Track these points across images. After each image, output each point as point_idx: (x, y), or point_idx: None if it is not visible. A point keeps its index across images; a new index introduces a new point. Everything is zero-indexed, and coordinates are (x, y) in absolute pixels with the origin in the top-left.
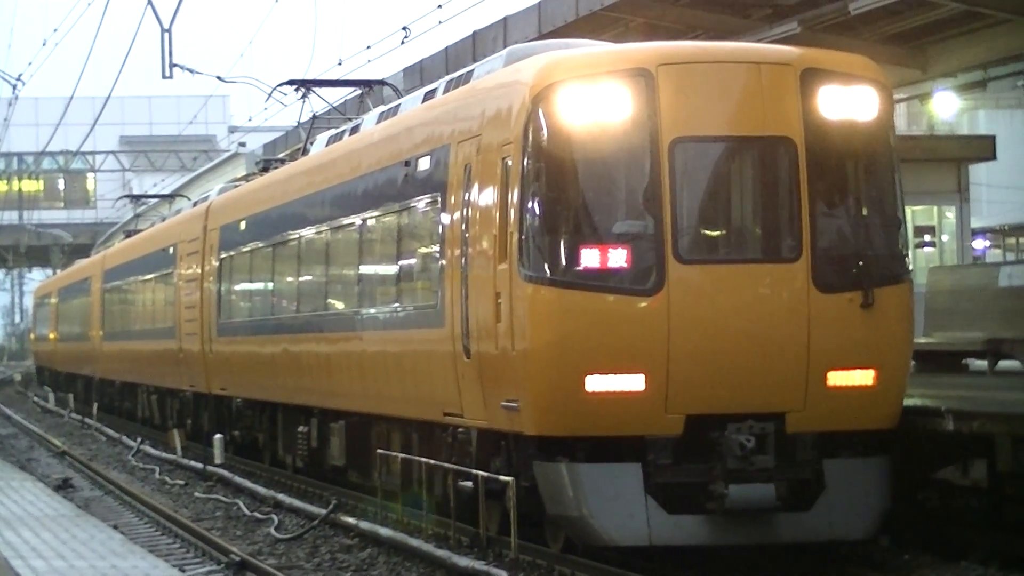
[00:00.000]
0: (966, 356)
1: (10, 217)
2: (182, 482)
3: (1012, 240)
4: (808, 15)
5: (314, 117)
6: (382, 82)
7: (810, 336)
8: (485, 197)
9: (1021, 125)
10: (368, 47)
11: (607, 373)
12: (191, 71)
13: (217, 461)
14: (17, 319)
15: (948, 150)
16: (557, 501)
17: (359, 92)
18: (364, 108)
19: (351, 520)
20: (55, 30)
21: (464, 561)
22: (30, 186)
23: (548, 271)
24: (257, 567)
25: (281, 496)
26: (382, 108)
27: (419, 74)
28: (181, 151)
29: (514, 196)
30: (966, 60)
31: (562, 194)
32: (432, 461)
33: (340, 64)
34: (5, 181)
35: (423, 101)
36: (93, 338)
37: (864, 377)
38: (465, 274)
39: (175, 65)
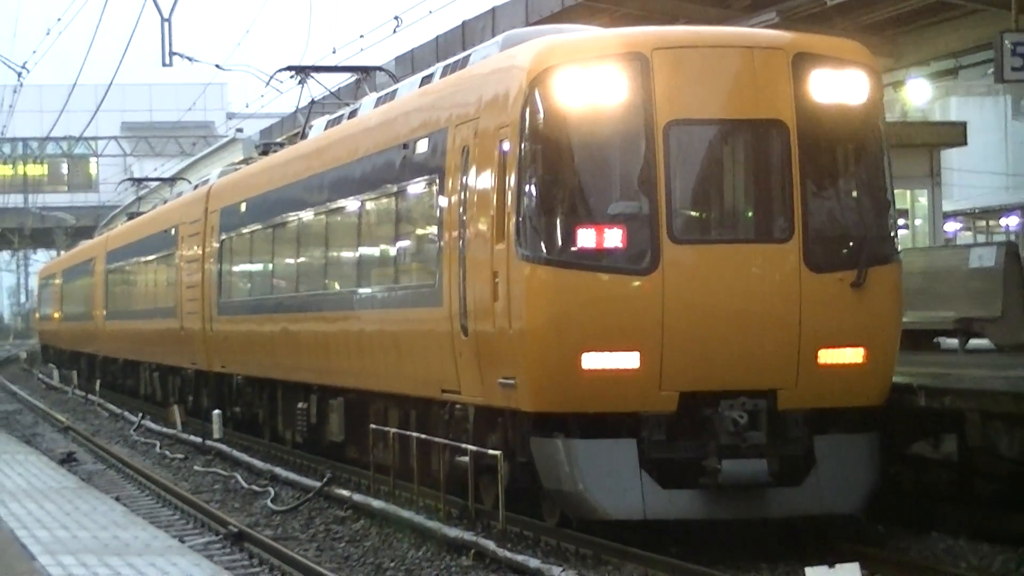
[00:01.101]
0: (938, 335)
1: (15, 200)
2: (182, 456)
3: (982, 223)
4: (786, 5)
5: (312, 102)
6: (379, 68)
7: (801, 315)
8: (483, 179)
9: (991, 112)
10: (361, 36)
11: (603, 351)
12: (190, 59)
13: (216, 436)
14: (22, 299)
15: (921, 136)
16: (553, 476)
17: (356, 78)
18: (361, 94)
19: (344, 493)
20: (59, 19)
21: (453, 532)
22: (35, 170)
23: (545, 251)
24: (254, 538)
25: (277, 469)
26: (380, 93)
27: (410, 62)
28: (180, 137)
29: (511, 178)
30: (938, 49)
31: (558, 175)
32: (423, 436)
33: (334, 52)
34: (10, 166)
35: (420, 86)
36: (96, 317)
37: (854, 355)
38: (463, 254)
39: (175, 53)
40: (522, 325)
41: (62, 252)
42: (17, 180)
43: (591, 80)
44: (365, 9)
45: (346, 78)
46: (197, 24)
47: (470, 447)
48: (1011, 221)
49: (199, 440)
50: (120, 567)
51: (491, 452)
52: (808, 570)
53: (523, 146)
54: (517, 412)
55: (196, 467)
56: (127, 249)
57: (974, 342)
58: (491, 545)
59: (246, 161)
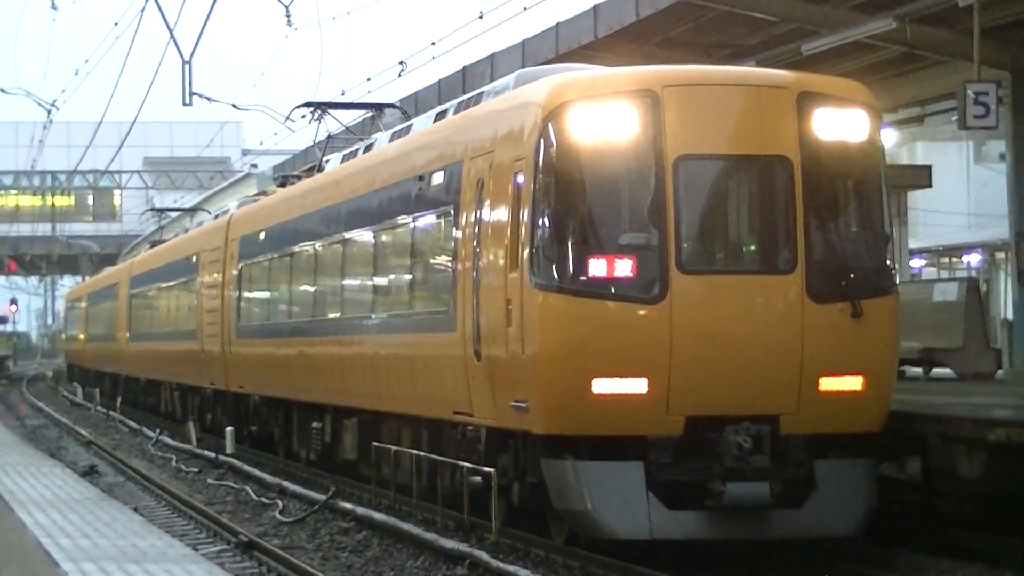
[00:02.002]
0: (903, 364)
1: (44, 229)
2: (196, 470)
3: (946, 260)
4: (764, 55)
5: (329, 136)
6: (392, 105)
7: (803, 343)
8: (497, 210)
9: (955, 156)
10: (368, 79)
11: (612, 376)
12: (208, 99)
13: (228, 451)
14: (49, 321)
15: (888, 178)
16: (563, 496)
17: (370, 114)
18: (375, 129)
19: (348, 506)
20: (86, 61)
21: (449, 543)
22: (62, 201)
23: (558, 279)
24: (263, 547)
25: (286, 483)
26: (395, 128)
27: (414, 103)
28: (199, 171)
29: (526, 208)
30: (905, 97)
31: (571, 207)
32: (422, 453)
33: (343, 94)
34: (40, 197)
35: (434, 121)
36: (120, 339)
37: (853, 383)
38: (476, 282)
39: (194, 94)
40: (535, 350)
41: (87, 278)
42: (46, 210)
43: (604, 115)
44: (372, 54)
45: (360, 115)
46: (216, 66)
47: (465, 464)
48: (972, 259)
49: (213, 455)
50: (138, 573)
51: (485, 469)
52: None
53: (537, 178)
54: (528, 434)
55: (210, 480)
56: (150, 275)
57: (937, 371)
58: (485, 556)
59: (263, 193)
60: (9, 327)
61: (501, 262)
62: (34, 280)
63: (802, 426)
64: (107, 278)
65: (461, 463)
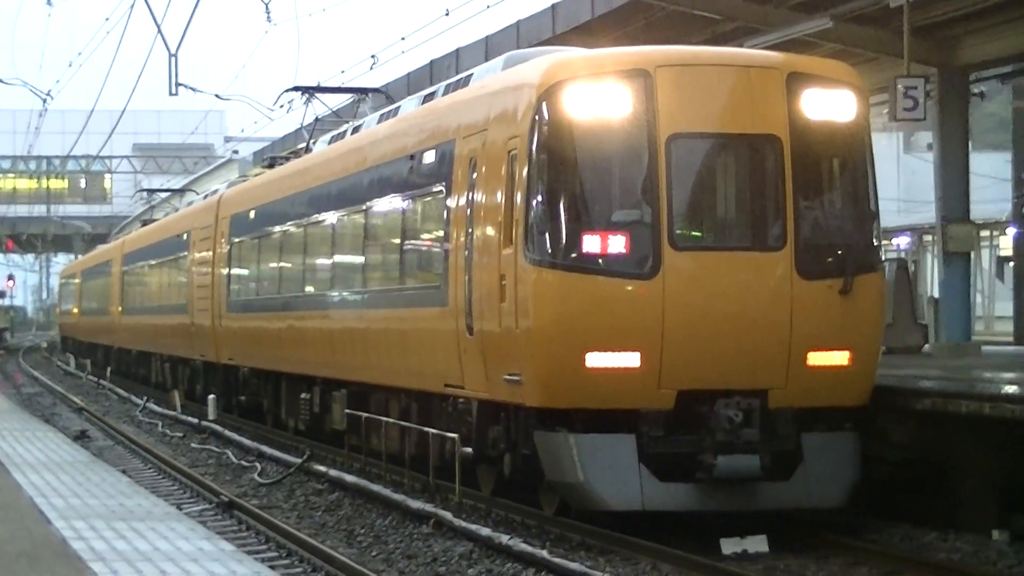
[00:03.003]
0: None
1: (39, 210)
2: (180, 435)
3: None
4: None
5: (317, 119)
6: (377, 90)
7: (792, 319)
8: (490, 187)
9: (886, 146)
10: (342, 71)
11: (605, 351)
12: (193, 90)
13: (211, 417)
14: (44, 296)
15: None
16: (557, 468)
17: (355, 98)
18: (361, 113)
19: (322, 468)
20: (79, 53)
21: (416, 504)
22: (56, 184)
23: (552, 255)
24: (242, 506)
25: (264, 447)
26: (383, 110)
27: (384, 95)
28: (184, 157)
29: (520, 186)
30: None
31: (566, 184)
32: (390, 419)
33: (319, 84)
34: (35, 180)
35: (423, 103)
36: (113, 313)
37: (840, 358)
38: (469, 257)
39: (180, 84)
40: (529, 325)
41: (79, 256)
42: (41, 193)
43: (597, 94)
44: (346, 47)
45: (345, 99)
46: (200, 58)
47: (430, 430)
48: (902, 241)
49: (196, 421)
50: (125, 531)
51: (448, 434)
52: (722, 541)
53: (532, 156)
54: (521, 407)
55: (193, 444)
56: (142, 252)
57: None
58: (449, 516)
59: (244, 177)
60: (6, 302)
61: (495, 238)
62: (30, 258)
63: (790, 400)
64: (100, 255)
65: (427, 429)
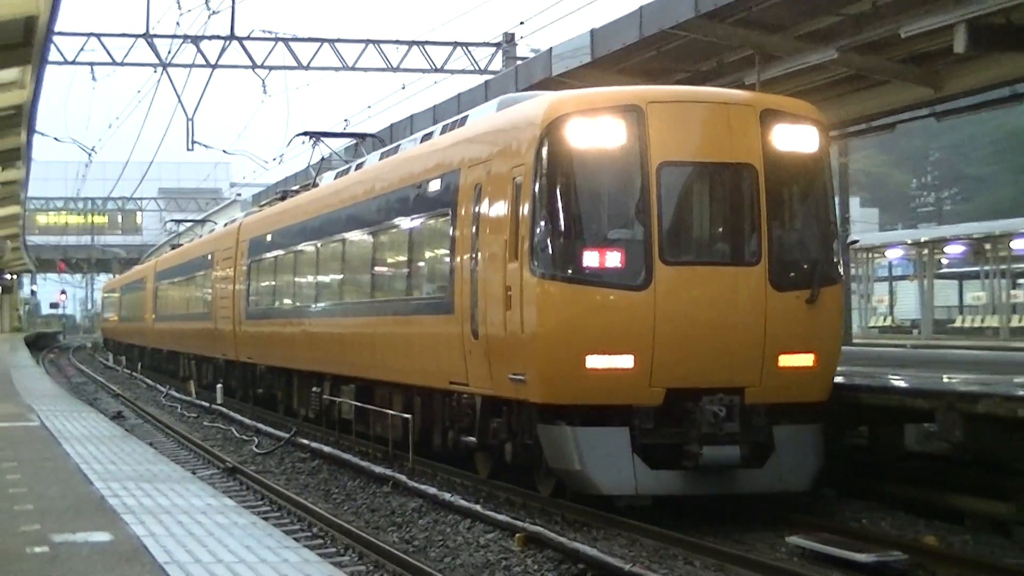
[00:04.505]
0: None
1: (85, 240)
2: (194, 415)
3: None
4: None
5: (323, 159)
6: (373, 135)
7: (766, 326)
8: (496, 209)
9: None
10: (345, 120)
11: (603, 353)
12: (205, 146)
13: (218, 402)
14: (89, 306)
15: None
16: (558, 457)
17: (354, 142)
18: (358, 155)
19: (305, 442)
20: (117, 117)
21: (379, 468)
22: (98, 220)
23: (556, 269)
24: (243, 471)
25: (260, 425)
26: (384, 148)
27: (379, 140)
28: (198, 198)
29: (526, 207)
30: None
31: (568, 206)
32: (358, 404)
33: (303, 143)
34: (82, 216)
35: (421, 142)
36: (146, 319)
37: (806, 359)
38: (474, 271)
39: (195, 142)
40: (534, 330)
41: (116, 275)
42: (86, 226)
43: (596, 127)
44: (325, 113)
45: (345, 143)
46: (211, 121)
47: (390, 412)
48: None
49: (207, 404)
50: (150, 490)
51: (405, 415)
52: None
53: (538, 181)
54: (524, 402)
55: (204, 423)
56: (172, 270)
57: None
58: (404, 478)
59: (260, 207)
60: (60, 311)
61: (500, 254)
62: (78, 277)
63: (763, 396)
64: (136, 273)
65: (391, 412)
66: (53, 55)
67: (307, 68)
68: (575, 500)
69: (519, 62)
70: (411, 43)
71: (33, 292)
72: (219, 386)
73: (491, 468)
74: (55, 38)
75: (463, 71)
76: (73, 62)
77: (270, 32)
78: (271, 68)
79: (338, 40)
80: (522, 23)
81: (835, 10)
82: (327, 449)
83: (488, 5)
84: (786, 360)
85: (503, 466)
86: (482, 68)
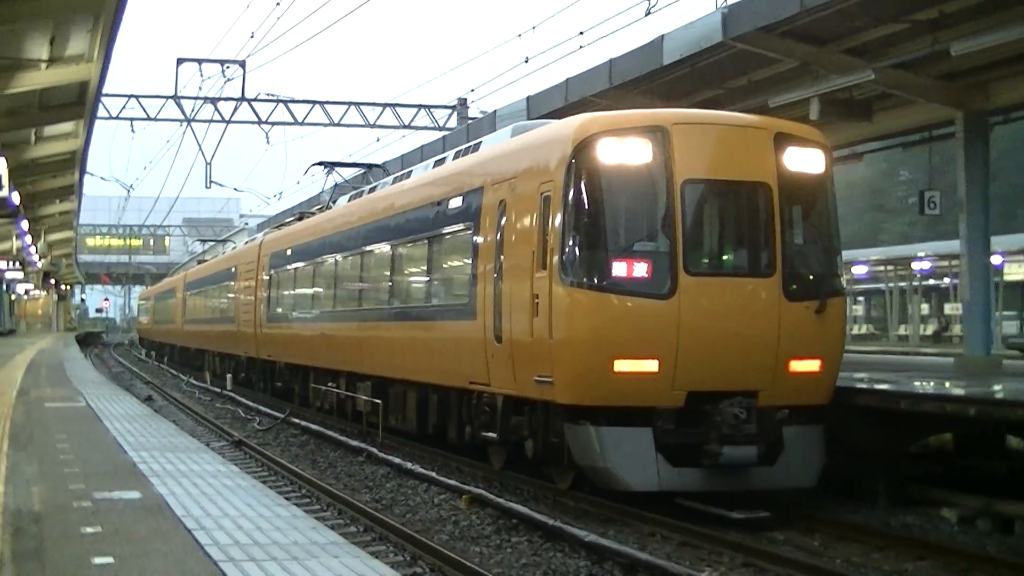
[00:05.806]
0: None
1: (124, 259)
2: (209, 399)
3: None
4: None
5: (336, 185)
6: (380, 165)
7: (779, 333)
8: (522, 223)
9: None
10: (314, 176)
11: (630, 358)
12: (221, 184)
13: (229, 388)
14: (127, 311)
15: None
16: (585, 455)
17: (363, 171)
18: (366, 182)
19: (297, 421)
20: (151, 161)
21: (354, 442)
22: (135, 243)
23: (585, 278)
24: (247, 444)
25: (260, 407)
26: (397, 173)
27: (384, 169)
28: (214, 226)
29: (556, 220)
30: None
31: (597, 220)
32: (344, 393)
33: (298, 183)
34: (122, 240)
35: (433, 167)
36: (177, 322)
37: (813, 365)
38: (498, 280)
39: (213, 181)
40: (563, 336)
41: (148, 287)
42: (125, 248)
43: (623, 147)
44: (320, 159)
45: (355, 172)
46: (225, 164)
47: (362, 397)
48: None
49: (219, 390)
50: (172, 459)
51: (375, 401)
52: None
53: (568, 196)
54: (549, 403)
55: (217, 405)
56: (199, 281)
57: None
58: (375, 450)
59: (278, 227)
60: (103, 315)
61: (527, 264)
62: (118, 288)
63: (775, 399)
64: (167, 284)
65: (362, 397)
66: (100, 112)
67: (302, 123)
68: (592, 493)
69: (470, 121)
70: (384, 104)
71: (82, 300)
72: (228, 376)
73: (504, 460)
74: (103, 98)
75: (425, 127)
76: (117, 117)
77: (273, 95)
78: (273, 123)
79: (327, 102)
80: (472, 90)
81: (719, 84)
82: (314, 427)
83: (447, 76)
84: (796, 365)
85: (517, 459)
86: (440, 125)
